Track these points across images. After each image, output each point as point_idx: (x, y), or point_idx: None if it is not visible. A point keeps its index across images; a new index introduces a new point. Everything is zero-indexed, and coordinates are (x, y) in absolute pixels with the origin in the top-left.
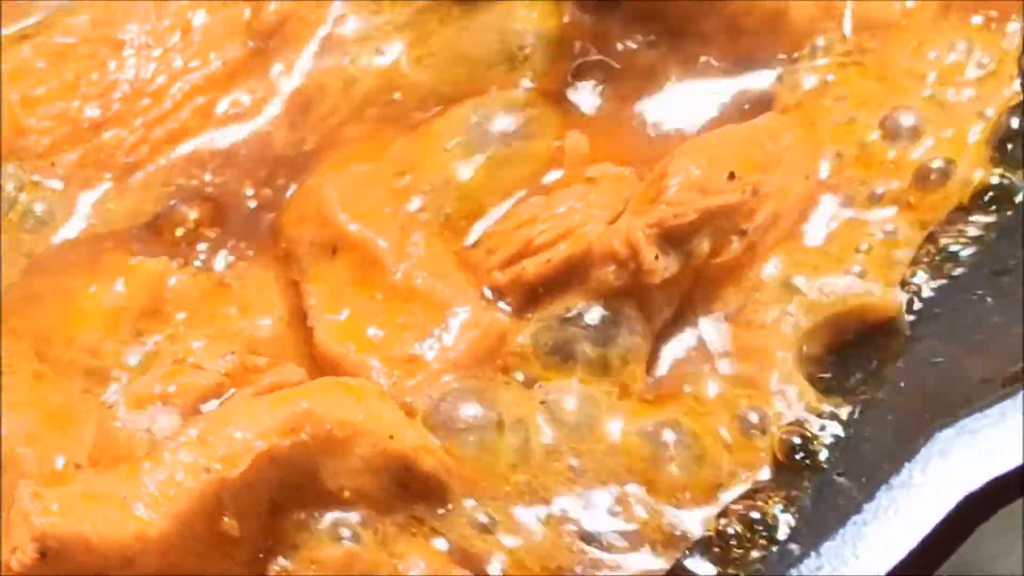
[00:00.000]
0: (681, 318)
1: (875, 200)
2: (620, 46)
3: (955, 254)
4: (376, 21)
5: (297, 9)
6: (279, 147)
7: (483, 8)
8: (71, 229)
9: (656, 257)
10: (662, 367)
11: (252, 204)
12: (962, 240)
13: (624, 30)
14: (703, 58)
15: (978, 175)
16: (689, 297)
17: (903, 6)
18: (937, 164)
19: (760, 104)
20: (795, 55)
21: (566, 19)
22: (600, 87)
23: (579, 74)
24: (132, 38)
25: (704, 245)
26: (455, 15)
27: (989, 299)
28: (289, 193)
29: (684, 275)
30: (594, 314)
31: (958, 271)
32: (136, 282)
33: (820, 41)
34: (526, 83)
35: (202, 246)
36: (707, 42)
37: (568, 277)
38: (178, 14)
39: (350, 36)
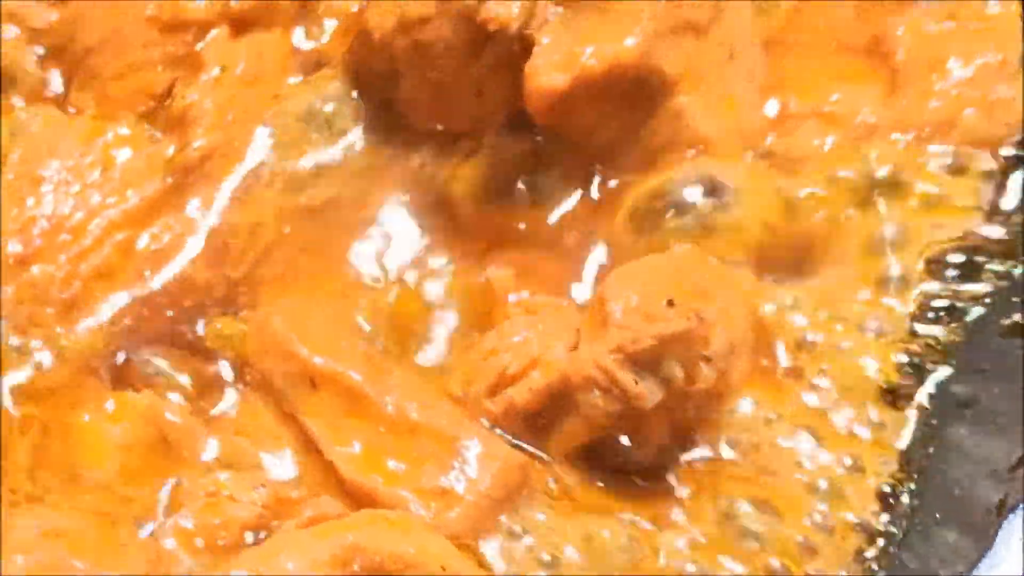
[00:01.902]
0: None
1: None
2: (537, 179)
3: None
4: (292, 164)
5: (220, 147)
6: (208, 283)
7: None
8: (43, 367)
9: (636, 382)
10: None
11: (202, 340)
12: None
13: (540, 165)
14: (612, 183)
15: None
16: (683, 425)
17: (822, 141)
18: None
19: None
20: None
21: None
22: (521, 223)
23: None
24: (52, 175)
25: (677, 371)
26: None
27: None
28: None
29: (674, 401)
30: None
31: None
32: (133, 416)
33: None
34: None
35: (183, 379)
36: (626, 168)
37: (557, 404)
38: (102, 151)
39: (268, 175)
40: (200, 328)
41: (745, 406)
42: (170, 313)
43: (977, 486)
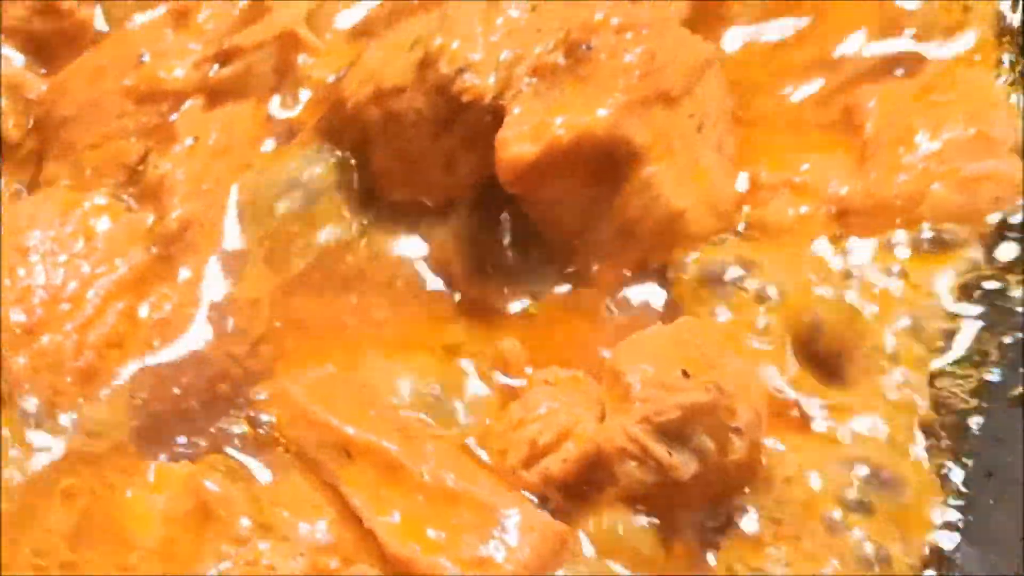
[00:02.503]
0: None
1: None
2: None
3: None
4: (273, 234)
5: (198, 216)
6: (219, 355)
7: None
8: (70, 443)
9: (670, 454)
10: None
11: (231, 410)
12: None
13: (519, 238)
14: (598, 264)
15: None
16: (721, 495)
17: (796, 212)
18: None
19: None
20: (691, 257)
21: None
22: (525, 298)
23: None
24: (36, 245)
25: (708, 442)
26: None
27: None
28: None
29: (710, 473)
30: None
31: None
32: (174, 486)
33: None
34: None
35: (216, 447)
36: (600, 249)
37: (593, 474)
38: (81, 221)
39: (251, 245)
40: (226, 397)
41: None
42: (189, 382)
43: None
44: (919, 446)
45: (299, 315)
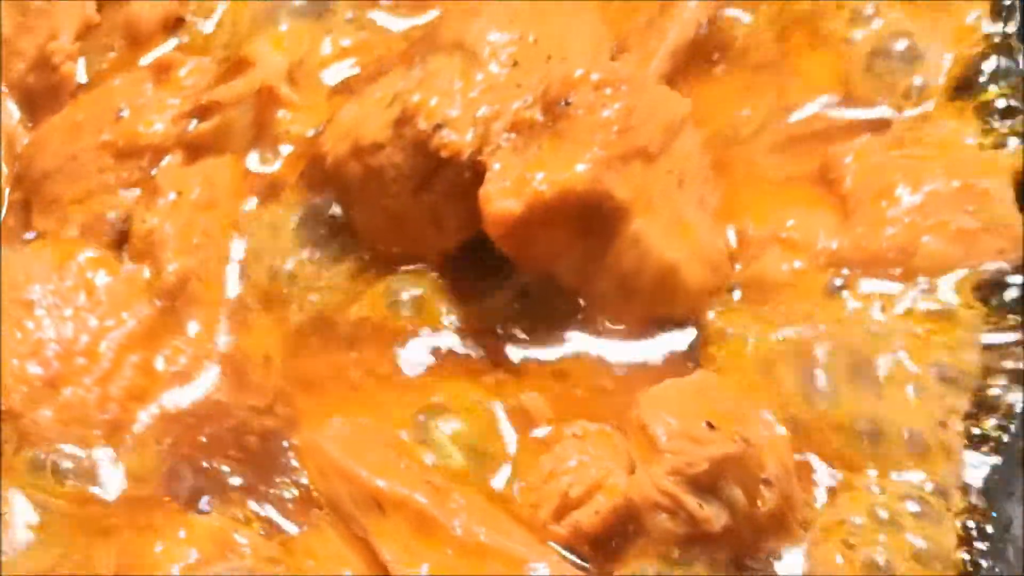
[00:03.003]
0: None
1: None
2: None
3: None
4: (271, 287)
5: (194, 271)
6: (240, 408)
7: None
8: (106, 491)
9: (701, 506)
10: None
11: (255, 461)
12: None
13: (521, 299)
14: (605, 319)
15: None
16: (752, 546)
17: (790, 267)
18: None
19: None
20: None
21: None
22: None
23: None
24: (39, 298)
25: (738, 494)
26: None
27: None
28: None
29: (741, 525)
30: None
31: None
32: (204, 539)
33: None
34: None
35: (251, 504)
36: (604, 304)
37: (624, 526)
38: (78, 275)
39: (251, 300)
40: (253, 449)
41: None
42: (214, 433)
43: None
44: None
45: (312, 370)
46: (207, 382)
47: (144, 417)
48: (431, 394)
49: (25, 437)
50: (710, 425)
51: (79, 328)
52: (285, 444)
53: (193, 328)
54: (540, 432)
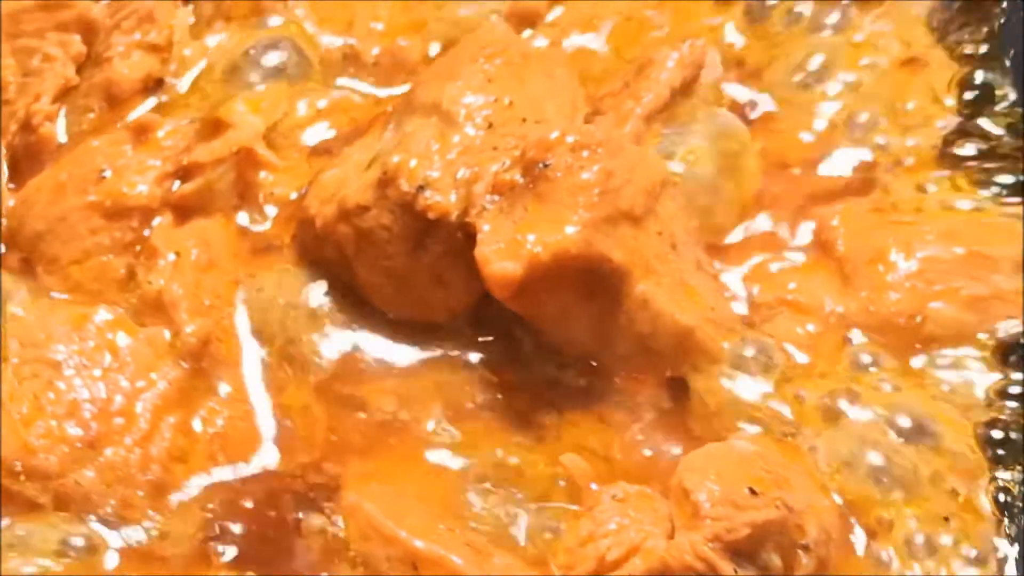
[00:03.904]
0: None
1: None
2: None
3: None
4: (290, 346)
5: (213, 331)
6: (284, 467)
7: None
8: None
9: (735, 572)
10: None
11: (297, 522)
12: None
13: (544, 362)
14: (628, 379)
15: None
16: None
17: (804, 330)
18: None
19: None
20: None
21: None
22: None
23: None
24: (66, 358)
25: (775, 559)
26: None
27: None
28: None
29: None
30: None
31: None
32: None
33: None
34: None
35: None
36: (628, 366)
37: None
38: (99, 335)
39: (275, 360)
40: (291, 511)
41: None
42: (257, 495)
43: None
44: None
45: (348, 432)
46: (247, 442)
47: (186, 479)
48: (470, 456)
49: (62, 499)
50: (752, 491)
51: (112, 389)
52: (331, 508)
53: (224, 389)
54: (582, 493)
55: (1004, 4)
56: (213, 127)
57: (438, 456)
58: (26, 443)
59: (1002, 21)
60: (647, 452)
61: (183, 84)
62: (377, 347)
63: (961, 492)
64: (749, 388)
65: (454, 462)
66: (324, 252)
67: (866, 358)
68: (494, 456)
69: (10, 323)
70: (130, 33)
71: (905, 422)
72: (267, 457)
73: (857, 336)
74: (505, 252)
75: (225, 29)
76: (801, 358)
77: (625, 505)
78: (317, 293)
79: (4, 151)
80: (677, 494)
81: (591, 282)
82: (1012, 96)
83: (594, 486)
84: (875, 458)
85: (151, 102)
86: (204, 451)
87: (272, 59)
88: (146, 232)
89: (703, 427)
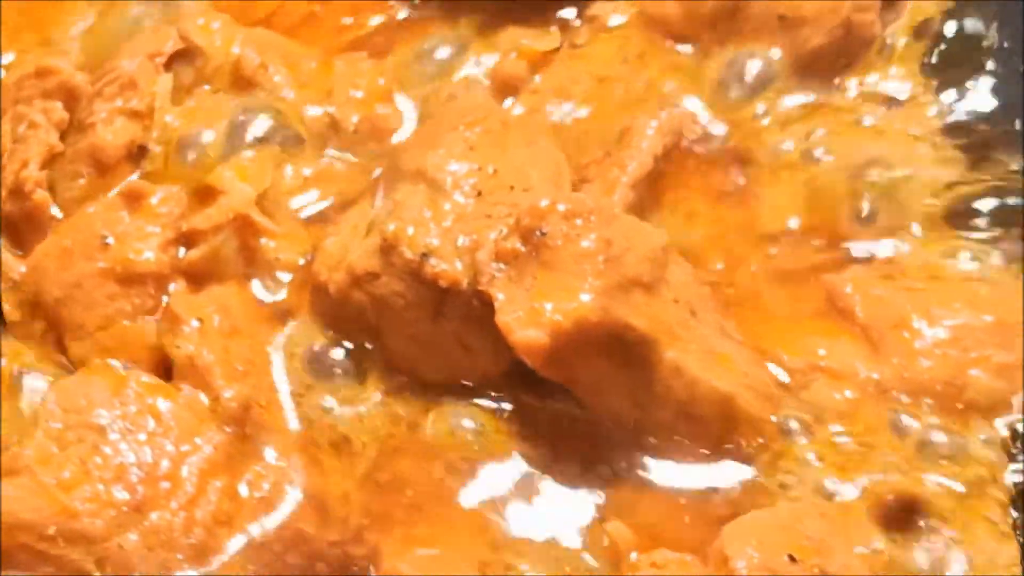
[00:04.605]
0: None
1: None
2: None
3: None
4: (329, 415)
5: (252, 396)
6: (323, 538)
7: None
8: None
9: None
10: None
11: None
12: None
13: (587, 425)
14: (670, 445)
15: None
16: None
17: (843, 396)
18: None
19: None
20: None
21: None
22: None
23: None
24: (109, 423)
25: None
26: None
27: None
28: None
29: None
30: None
31: None
32: None
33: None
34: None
35: None
36: (670, 433)
37: None
38: (138, 400)
39: (318, 427)
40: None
41: None
42: (296, 562)
43: None
44: None
45: (389, 503)
46: (290, 509)
47: (229, 542)
48: (510, 519)
49: (103, 563)
50: (791, 558)
51: (158, 453)
52: (367, 572)
53: (270, 454)
54: (622, 562)
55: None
56: (204, 194)
57: (475, 521)
58: (67, 507)
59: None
60: (689, 520)
61: (167, 151)
62: (415, 413)
63: None
64: (794, 456)
65: (495, 524)
66: (345, 317)
67: (905, 420)
68: (536, 518)
69: (52, 389)
70: (112, 100)
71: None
72: (309, 522)
73: (899, 403)
74: (525, 320)
75: (206, 97)
76: (844, 425)
77: (663, 572)
78: (341, 361)
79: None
80: (716, 561)
81: (620, 350)
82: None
83: (634, 555)
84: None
85: (138, 169)
86: (247, 515)
87: (255, 128)
88: (163, 299)
89: (748, 495)
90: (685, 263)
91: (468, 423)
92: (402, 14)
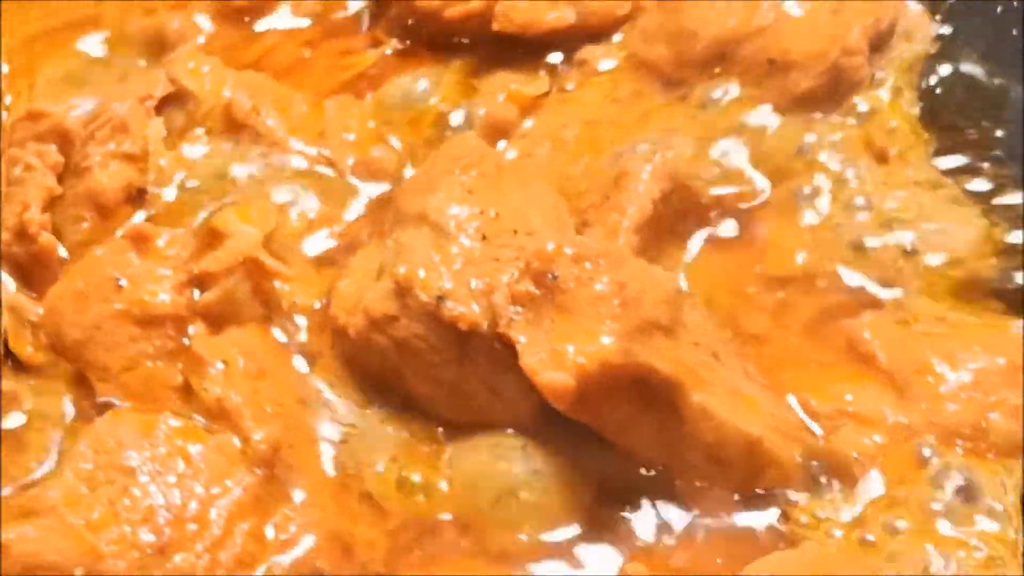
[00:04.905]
0: None
1: None
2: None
3: None
4: (363, 458)
5: (282, 439)
6: (342, 571)
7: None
8: None
9: None
10: None
11: None
12: None
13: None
14: (698, 488)
15: None
16: None
17: (872, 441)
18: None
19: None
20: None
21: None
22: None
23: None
24: (139, 464)
25: None
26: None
27: None
28: None
29: None
30: None
31: None
32: None
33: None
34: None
35: None
36: (697, 476)
37: None
38: (169, 442)
39: (352, 469)
40: None
41: None
42: None
43: None
44: None
45: (420, 544)
46: (313, 551)
47: None
48: (535, 557)
49: None
50: None
51: (187, 495)
52: None
53: (299, 496)
54: None
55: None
56: (209, 236)
57: (505, 553)
58: (94, 548)
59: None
60: (719, 561)
61: (166, 194)
62: (441, 461)
63: None
64: (820, 497)
65: (519, 559)
66: (369, 361)
67: (938, 465)
68: (561, 555)
69: (82, 432)
70: (105, 143)
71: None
72: (328, 560)
73: (927, 445)
74: (550, 363)
75: (198, 140)
76: (875, 471)
77: None
78: (368, 403)
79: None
80: None
81: (645, 393)
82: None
83: None
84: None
85: (140, 212)
86: (270, 556)
87: (252, 170)
88: (185, 340)
89: (772, 537)
90: (699, 306)
91: (495, 470)
92: (391, 57)
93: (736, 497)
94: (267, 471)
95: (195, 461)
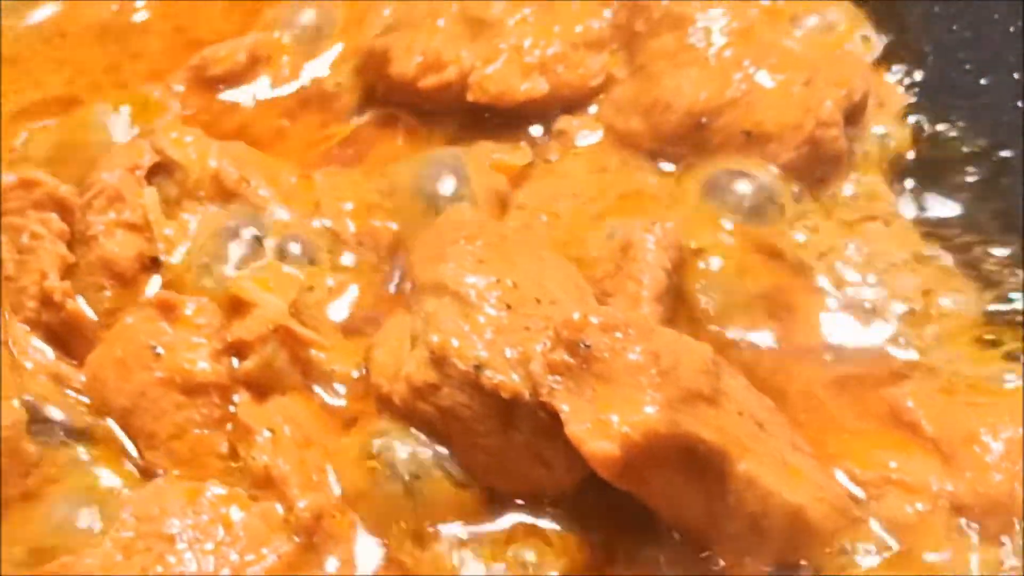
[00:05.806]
0: None
1: None
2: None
3: None
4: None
5: (327, 508)
6: None
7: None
8: None
9: None
10: None
11: None
12: None
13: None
14: (737, 561)
15: None
16: None
17: (915, 509)
18: None
19: None
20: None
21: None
22: None
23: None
24: (179, 532)
25: None
26: None
27: None
28: None
29: None
30: None
31: None
32: None
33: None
34: None
35: None
36: (738, 547)
37: None
38: (212, 509)
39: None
40: None
41: None
42: None
43: None
44: None
45: None
46: None
47: None
48: None
49: None
50: None
51: (220, 563)
52: None
53: (333, 564)
54: None
55: None
56: (233, 304)
57: None
58: None
59: None
60: None
61: (178, 262)
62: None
63: None
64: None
65: None
66: (418, 428)
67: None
68: None
69: (126, 499)
70: (104, 212)
71: None
72: None
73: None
74: (595, 432)
75: (196, 210)
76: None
77: None
78: (416, 470)
79: (27, 327)
80: None
81: (692, 462)
82: None
83: None
84: None
85: (156, 279)
86: None
87: (261, 239)
88: (231, 408)
89: None
90: (739, 375)
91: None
92: (371, 124)
93: (769, 570)
94: (306, 539)
95: (235, 528)
